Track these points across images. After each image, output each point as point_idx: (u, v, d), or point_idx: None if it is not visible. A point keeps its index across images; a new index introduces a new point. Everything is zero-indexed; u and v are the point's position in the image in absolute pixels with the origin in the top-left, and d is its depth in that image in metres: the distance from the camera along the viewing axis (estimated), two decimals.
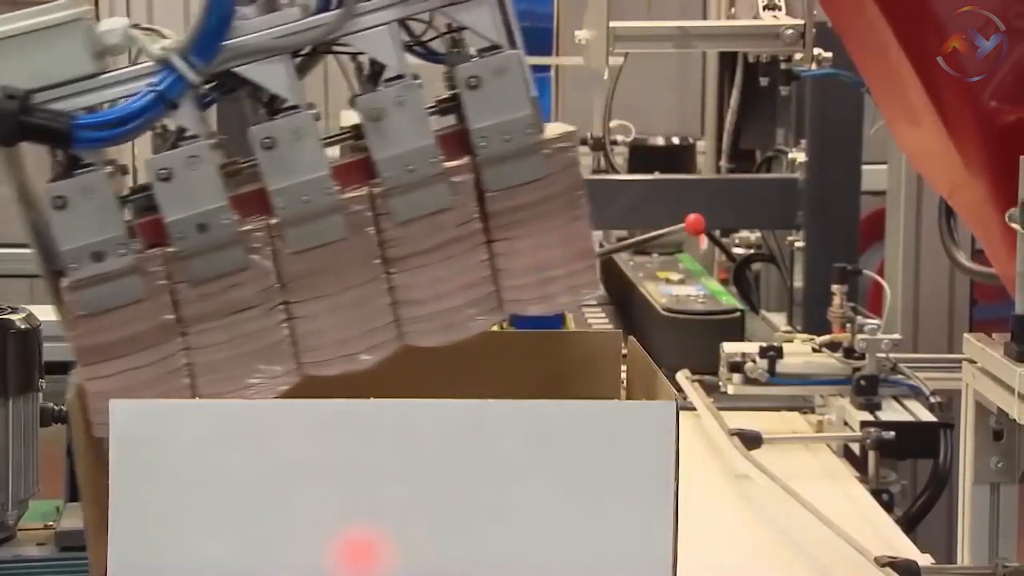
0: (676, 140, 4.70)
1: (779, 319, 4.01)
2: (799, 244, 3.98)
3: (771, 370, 3.09)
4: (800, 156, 3.96)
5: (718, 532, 2.52)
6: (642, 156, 4.57)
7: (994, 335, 2.28)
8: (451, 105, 1.67)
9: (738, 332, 3.46)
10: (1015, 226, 2.13)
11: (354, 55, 1.66)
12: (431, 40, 1.69)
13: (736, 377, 3.10)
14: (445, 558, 1.61)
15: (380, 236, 1.65)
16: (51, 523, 2.13)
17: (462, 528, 1.61)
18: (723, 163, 4.42)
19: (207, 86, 1.63)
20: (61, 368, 2.93)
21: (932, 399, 2.99)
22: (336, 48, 1.65)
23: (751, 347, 3.15)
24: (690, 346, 3.35)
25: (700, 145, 4.73)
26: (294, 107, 1.63)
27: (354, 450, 1.61)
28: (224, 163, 1.65)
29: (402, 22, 1.65)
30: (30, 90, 1.57)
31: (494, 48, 1.65)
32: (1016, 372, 2.14)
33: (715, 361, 3.17)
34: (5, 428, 2.05)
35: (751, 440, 2.82)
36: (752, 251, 4.31)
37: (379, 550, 1.61)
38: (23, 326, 2.07)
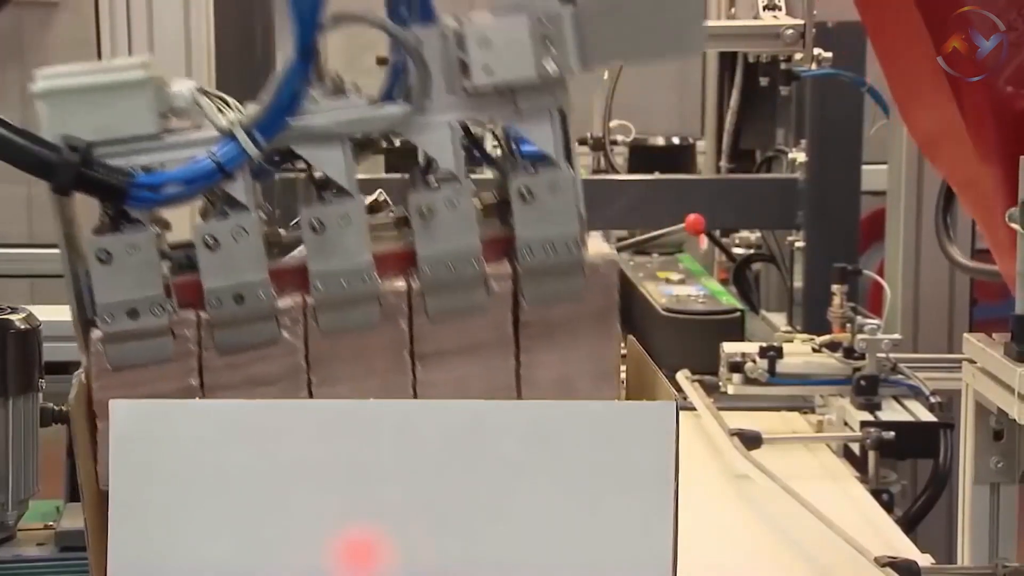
0: (676, 140, 4.71)
1: (779, 319, 4.01)
2: (799, 244, 3.98)
3: (771, 370, 3.09)
4: (800, 156, 3.96)
5: (718, 532, 2.53)
6: (642, 156, 4.58)
7: (994, 335, 2.28)
8: (497, 207, 1.68)
9: (738, 332, 3.46)
10: (1015, 226, 2.13)
11: (406, 146, 1.66)
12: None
13: (736, 377, 3.10)
14: (445, 558, 1.61)
15: (411, 330, 1.65)
16: (51, 523, 2.13)
17: (462, 528, 1.61)
18: (723, 163, 4.42)
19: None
20: (61, 368, 2.94)
21: (932, 399, 2.99)
22: (394, 137, 1.65)
23: (751, 347, 3.16)
24: (690, 346, 3.35)
25: (700, 145, 4.73)
26: (346, 192, 1.63)
27: (354, 450, 1.61)
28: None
29: (463, 123, 1.65)
30: (91, 143, 1.56)
31: (548, 161, 1.65)
32: (1016, 372, 2.14)
33: (715, 361, 3.17)
34: (5, 428, 2.06)
35: (751, 440, 2.82)
36: (752, 251, 4.32)
37: (379, 550, 1.61)
38: (23, 326, 2.07)
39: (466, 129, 1.67)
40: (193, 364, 1.63)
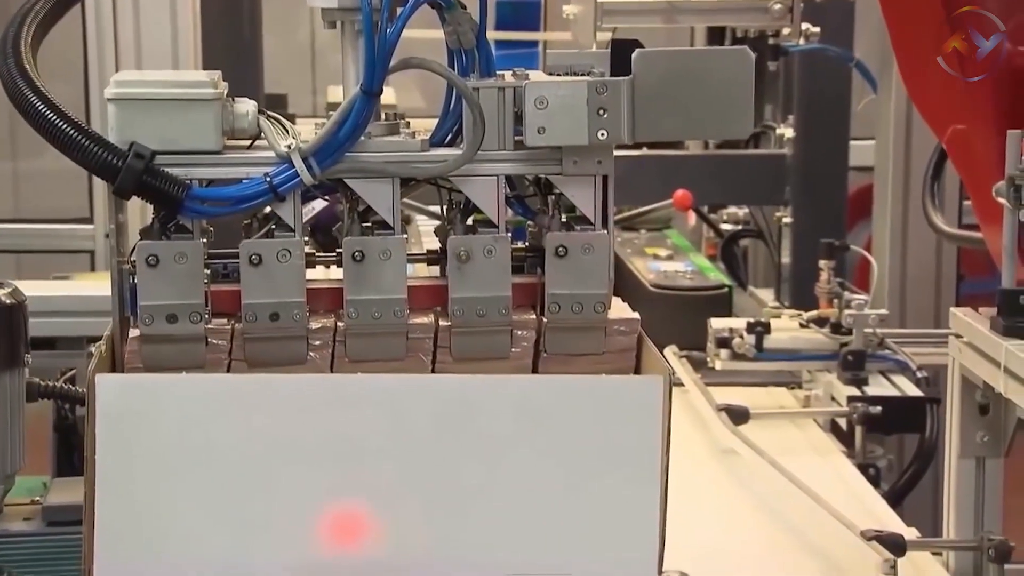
0: None
1: (767, 295, 4.01)
2: (787, 220, 3.99)
3: (758, 346, 3.09)
4: (788, 132, 3.97)
5: (705, 507, 2.53)
6: None
7: (980, 310, 2.28)
8: (526, 255, 1.72)
9: (726, 308, 3.46)
10: (1002, 201, 2.13)
11: (453, 189, 1.69)
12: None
13: (724, 353, 3.11)
14: (432, 533, 1.62)
15: (434, 366, 1.68)
16: (37, 498, 2.13)
17: (449, 504, 1.61)
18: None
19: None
20: (47, 343, 2.94)
21: (919, 374, 3.00)
22: (440, 181, 1.69)
23: (739, 323, 3.16)
24: (678, 322, 3.35)
25: None
26: (390, 227, 1.66)
27: (341, 425, 1.61)
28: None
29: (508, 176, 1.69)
30: (155, 152, 1.61)
31: (586, 222, 1.68)
32: (1002, 346, 2.14)
33: (703, 337, 3.17)
34: None
35: (738, 415, 2.83)
36: (740, 227, 4.32)
37: (366, 526, 1.61)
38: (9, 301, 2.07)
39: (511, 182, 1.71)
40: (222, 372, 1.66)
